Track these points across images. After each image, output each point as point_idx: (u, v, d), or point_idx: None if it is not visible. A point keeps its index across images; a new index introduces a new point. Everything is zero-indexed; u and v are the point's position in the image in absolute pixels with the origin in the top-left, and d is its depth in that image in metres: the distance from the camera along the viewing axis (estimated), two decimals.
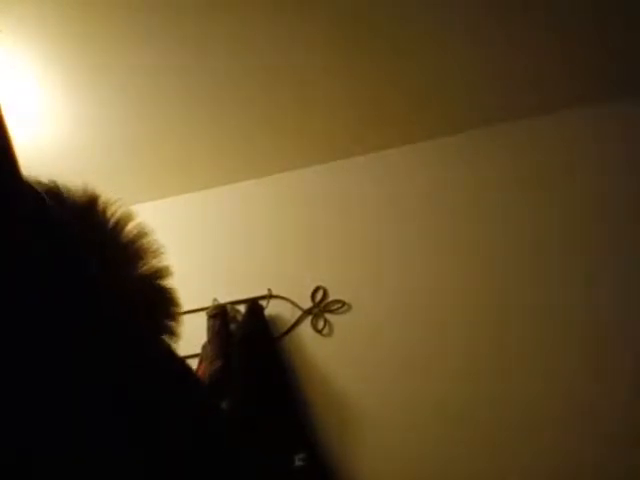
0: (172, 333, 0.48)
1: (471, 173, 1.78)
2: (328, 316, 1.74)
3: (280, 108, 1.65)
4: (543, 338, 1.59)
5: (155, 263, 0.47)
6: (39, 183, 0.45)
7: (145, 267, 0.46)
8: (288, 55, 1.45)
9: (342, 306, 1.74)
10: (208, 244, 1.93)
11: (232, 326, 1.76)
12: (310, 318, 1.75)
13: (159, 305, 0.47)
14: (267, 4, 1.31)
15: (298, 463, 1.55)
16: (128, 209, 0.47)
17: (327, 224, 1.85)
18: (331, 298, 1.75)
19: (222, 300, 1.81)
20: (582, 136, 1.73)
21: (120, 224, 0.46)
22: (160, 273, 0.47)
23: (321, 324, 1.73)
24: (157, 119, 1.65)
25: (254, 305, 1.76)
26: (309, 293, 1.77)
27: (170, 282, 0.48)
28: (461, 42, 1.47)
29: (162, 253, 0.47)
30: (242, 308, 1.78)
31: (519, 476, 1.51)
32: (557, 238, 1.66)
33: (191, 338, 1.55)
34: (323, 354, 1.71)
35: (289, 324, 1.77)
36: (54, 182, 0.45)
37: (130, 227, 0.46)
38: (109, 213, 0.46)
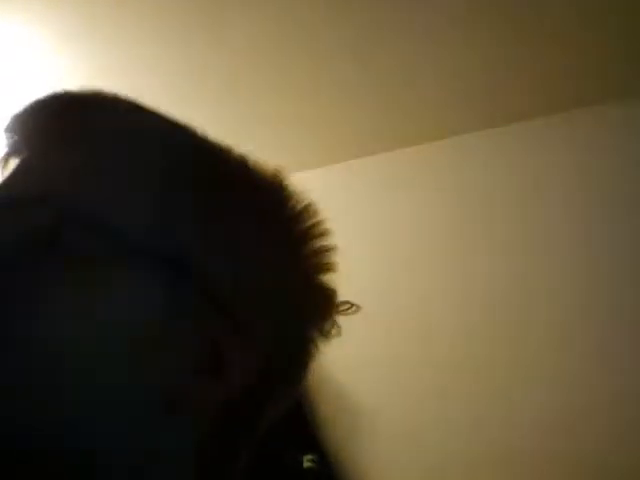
0: (322, 332, 0.45)
1: (483, 173, 1.76)
2: (337, 317, 1.73)
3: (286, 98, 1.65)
4: (561, 336, 1.57)
5: (323, 259, 0.43)
6: (229, 152, 0.41)
7: (311, 262, 0.43)
8: None
9: (351, 307, 1.72)
10: None
11: None
12: None
13: (315, 302, 0.44)
14: None
15: (307, 464, 1.54)
16: (313, 202, 0.43)
17: (336, 223, 1.84)
18: (340, 299, 1.74)
19: None
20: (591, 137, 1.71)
21: (300, 216, 0.42)
22: (323, 268, 0.43)
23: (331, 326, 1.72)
24: None
25: None
26: None
27: (332, 280, 0.45)
28: (461, 42, 1.46)
29: (332, 250, 0.43)
30: None
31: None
32: (563, 237, 1.65)
33: None
34: (332, 356, 1.70)
35: None
36: (242, 155, 0.41)
37: (310, 221, 0.42)
38: (294, 200, 0.42)
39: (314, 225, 0.43)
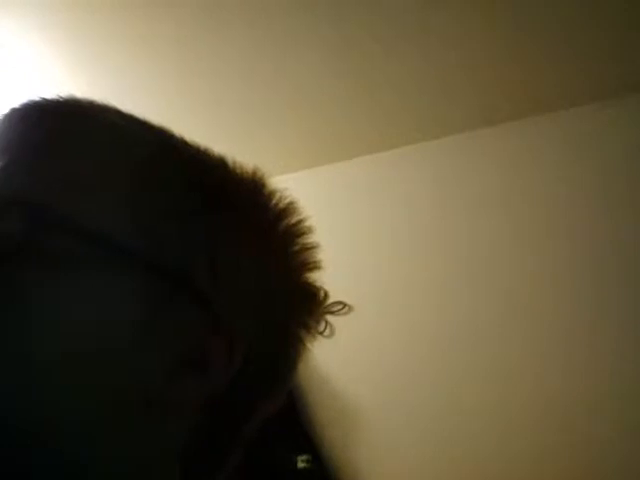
0: (309, 329, 0.45)
1: (475, 174, 1.77)
2: (329, 317, 1.73)
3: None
4: (548, 337, 1.58)
5: (307, 257, 0.43)
6: (208, 153, 0.42)
7: (296, 260, 0.42)
8: None
9: (343, 307, 1.73)
10: None
11: None
12: None
13: (301, 299, 0.44)
14: None
15: (301, 465, 1.54)
16: (294, 201, 0.43)
17: (328, 224, 1.84)
18: (332, 299, 1.74)
19: None
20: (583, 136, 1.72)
21: (282, 214, 0.42)
22: (308, 266, 0.43)
23: (322, 325, 1.72)
24: None
25: None
26: None
27: (317, 278, 0.45)
28: (460, 42, 1.46)
29: (317, 249, 0.43)
30: None
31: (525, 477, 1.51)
32: (561, 235, 1.65)
33: None
34: (324, 356, 1.71)
35: None
36: (222, 156, 0.42)
37: (292, 219, 0.42)
38: (275, 199, 0.42)
39: (297, 223, 0.43)
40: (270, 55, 1.48)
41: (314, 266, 0.44)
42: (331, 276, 0.47)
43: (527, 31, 1.44)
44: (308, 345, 0.46)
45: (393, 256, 1.76)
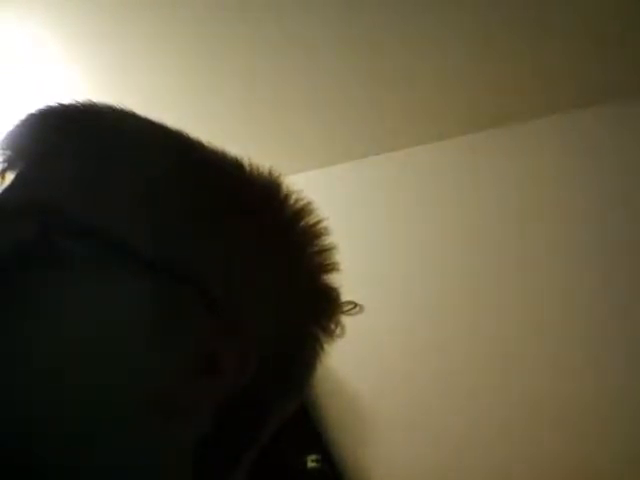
0: (326, 331, 0.45)
1: (479, 175, 1.76)
2: (341, 317, 1.73)
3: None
4: (554, 335, 1.58)
5: (324, 258, 0.43)
6: (224, 156, 0.42)
7: (313, 261, 0.42)
8: None
9: (354, 307, 1.72)
10: None
11: None
12: None
13: (319, 301, 0.44)
14: None
15: (311, 464, 1.55)
16: (310, 202, 0.42)
17: (337, 223, 1.84)
18: (343, 299, 1.73)
19: None
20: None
21: (299, 215, 0.42)
22: (326, 268, 0.43)
23: (338, 327, 1.71)
24: None
25: None
26: None
27: (335, 280, 0.44)
28: (462, 43, 1.46)
29: (334, 250, 0.43)
30: None
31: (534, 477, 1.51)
32: (561, 236, 1.64)
33: None
34: (335, 355, 1.71)
35: None
36: (238, 158, 0.41)
37: (309, 220, 0.42)
38: (291, 200, 0.42)
39: (314, 224, 0.43)
40: (286, 53, 1.49)
41: (332, 267, 0.44)
42: (346, 276, 0.47)
43: (527, 32, 1.44)
44: (325, 347, 0.46)
45: (409, 256, 1.76)
